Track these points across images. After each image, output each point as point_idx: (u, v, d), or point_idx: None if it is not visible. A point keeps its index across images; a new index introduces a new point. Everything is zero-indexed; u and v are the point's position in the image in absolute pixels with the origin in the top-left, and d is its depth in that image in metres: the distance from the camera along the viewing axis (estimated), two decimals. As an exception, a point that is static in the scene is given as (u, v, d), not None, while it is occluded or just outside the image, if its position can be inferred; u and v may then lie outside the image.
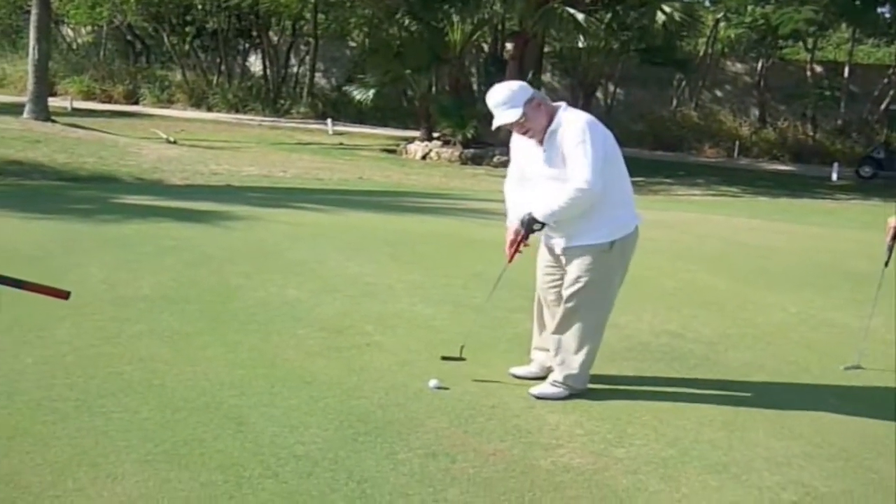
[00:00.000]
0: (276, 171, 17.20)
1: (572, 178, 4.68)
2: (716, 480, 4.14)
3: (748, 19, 29.98)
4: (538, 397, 4.93)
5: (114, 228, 8.82)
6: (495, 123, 4.89)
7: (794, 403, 5.15)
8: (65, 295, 3.12)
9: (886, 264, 6.08)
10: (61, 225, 8.78)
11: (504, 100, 4.80)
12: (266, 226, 9.60)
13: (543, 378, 5.13)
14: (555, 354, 5.01)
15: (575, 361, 4.96)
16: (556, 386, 4.98)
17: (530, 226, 4.92)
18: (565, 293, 4.94)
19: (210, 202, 10.95)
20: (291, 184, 15.40)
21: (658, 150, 29.49)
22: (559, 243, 4.96)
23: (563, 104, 4.94)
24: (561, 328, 4.99)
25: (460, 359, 5.23)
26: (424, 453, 4.16)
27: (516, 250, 5.04)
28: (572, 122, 4.77)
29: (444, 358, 5.27)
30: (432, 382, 4.99)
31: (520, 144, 5.03)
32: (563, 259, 4.97)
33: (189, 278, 7.00)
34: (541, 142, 4.85)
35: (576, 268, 4.89)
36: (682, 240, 9.89)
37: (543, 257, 5.15)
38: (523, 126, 4.82)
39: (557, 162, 4.76)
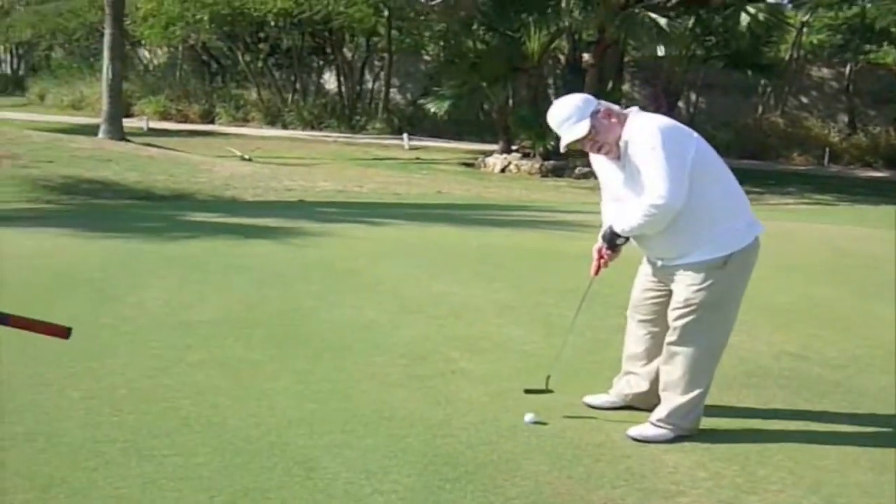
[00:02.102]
0: (351, 186, 16.77)
1: (646, 191, 4.06)
2: (873, 536, 3.44)
3: (839, 19, 29.00)
4: (636, 439, 4.26)
5: (179, 247, 8.36)
6: (563, 144, 4.27)
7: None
8: (64, 333, 2.54)
9: None
10: (125, 244, 8.34)
11: (568, 115, 4.20)
12: (341, 242, 9.07)
13: (620, 409, 4.54)
14: (662, 388, 4.35)
15: (682, 399, 4.28)
16: (659, 426, 4.29)
17: (612, 241, 4.32)
18: (671, 319, 4.28)
19: (282, 218, 10.47)
20: (368, 199, 14.94)
21: (744, 160, 28.46)
22: (662, 259, 4.31)
23: (633, 109, 4.30)
24: (667, 359, 4.33)
25: (547, 391, 4.60)
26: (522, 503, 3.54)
27: (599, 266, 4.44)
28: (642, 129, 4.13)
29: (527, 391, 4.64)
30: (528, 417, 4.37)
31: (600, 164, 4.42)
32: (669, 278, 4.30)
33: (257, 300, 6.48)
34: (618, 157, 4.22)
35: (684, 289, 4.22)
36: (788, 250, 9.08)
37: (644, 270, 4.51)
38: (595, 141, 4.21)
39: (637, 176, 4.14)
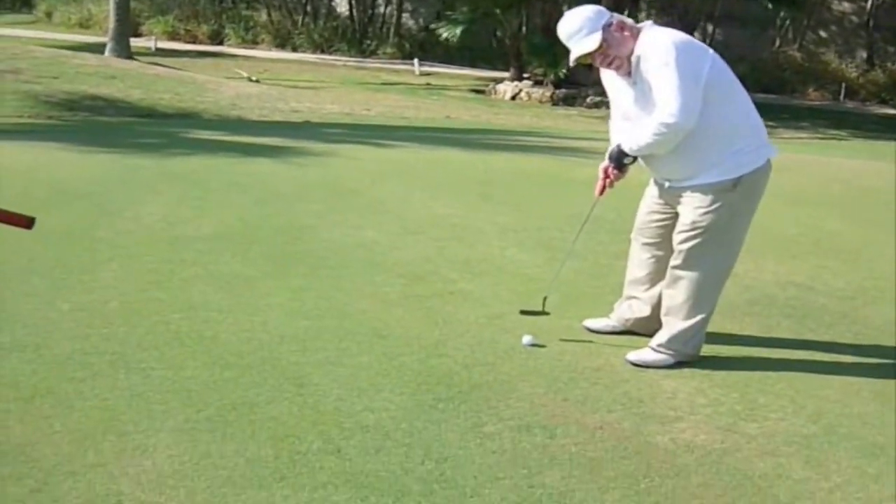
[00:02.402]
0: (359, 109, 16.54)
1: (657, 109, 3.90)
2: (873, 467, 3.39)
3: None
4: (636, 364, 4.17)
5: (179, 163, 8.23)
6: (572, 57, 4.09)
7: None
8: (26, 222, 2.38)
9: None
10: (123, 159, 8.22)
11: (579, 27, 4.01)
12: (345, 163, 8.93)
13: (620, 333, 4.44)
14: (664, 313, 4.24)
15: (684, 324, 4.17)
16: (659, 351, 4.20)
17: (620, 159, 4.15)
18: (677, 242, 4.15)
19: (286, 138, 10.30)
20: (375, 122, 14.73)
21: (759, 93, 28.05)
22: (670, 180, 4.16)
23: (647, 23, 4.10)
24: (670, 283, 4.21)
25: (544, 313, 4.49)
26: (517, 426, 3.48)
27: (604, 185, 4.27)
28: (655, 44, 3.95)
29: (523, 312, 4.54)
30: (526, 339, 4.29)
31: (611, 80, 4.23)
32: (676, 200, 4.16)
33: (256, 217, 6.37)
34: (629, 73, 4.04)
35: (690, 211, 4.08)
36: (800, 182, 8.93)
37: (651, 192, 4.37)
38: (606, 56, 4.02)
39: (649, 94, 3.97)
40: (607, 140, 4.39)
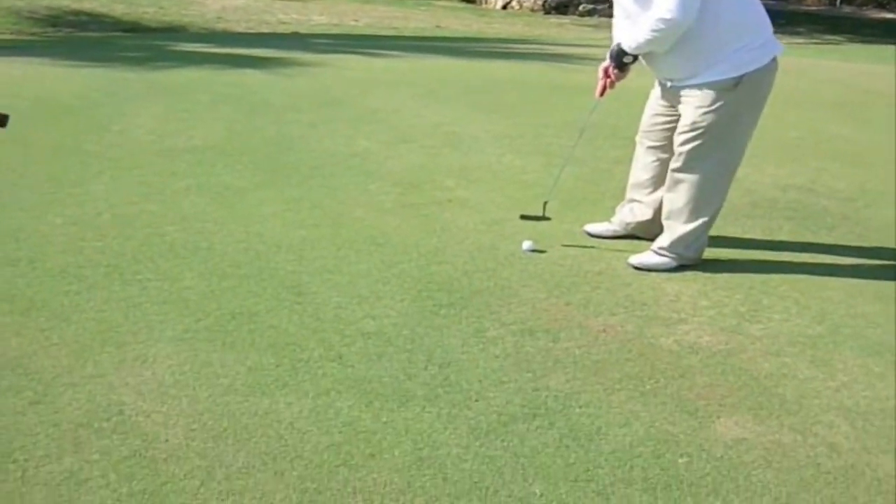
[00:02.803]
0: (347, 20, 16.26)
1: (654, 4, 3.77)
2: (878, 365, 3.37)
3: None
4: (637, 268, 4.11)
5: (166, 76, 8.06)
6: None
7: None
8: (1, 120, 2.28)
9: None
10: (109, 73, 8.04)
11: None
12: (334, 73, 8.76)
13: (622, 238, 4.40)
14: (665, 217, 4.17)
15: (686, 228, 4.10)
16: (661, 254, 4.14)
17: (619, 58, 4.03)
18: (677, 143, 4.05)
19: (274, 49, 10.09)
20: (363, 32, 14.47)
21: (753, -2, 27.74)
22: (671, 80, 4.05)
23: None
24: (671, 186, 4.13)
25: (543, 218, 4.43)
26: (520, 330, 3.44)
27: (605, 85, 4.16)
28: None
29: (523, 217, 4.47)
30: (526, 244, 4.24)
31: None
32: (677, 100, 4.05)
33: (246, 128, 6.25)
34: None
35: (691, 112, 3.97)
36: (798, 85, 8.80)
37: (655, 94, 4.25)
38: None
39: None
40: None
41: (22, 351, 3.06)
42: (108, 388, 2.86)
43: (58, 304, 3.41)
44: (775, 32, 4.04)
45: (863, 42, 18.80)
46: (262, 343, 3.20)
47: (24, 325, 3.25)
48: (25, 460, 2.48)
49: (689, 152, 4.02)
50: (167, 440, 2.61)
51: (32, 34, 12.55)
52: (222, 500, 2.37)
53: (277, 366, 3.05)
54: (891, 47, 16.02)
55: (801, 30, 20.81)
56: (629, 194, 4.44)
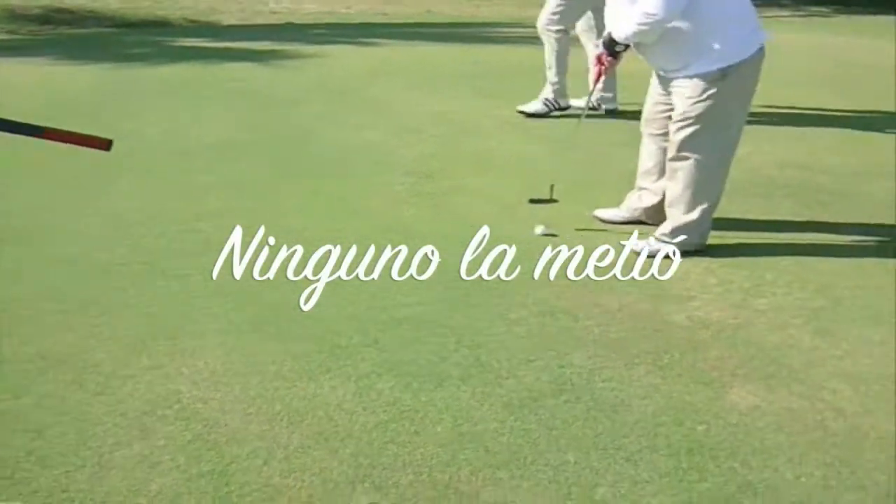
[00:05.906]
0: (338, 7, 16.30)
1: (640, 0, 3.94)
2: (878, 333, 3.59)
3: None
4: (640, 254, 4.28)
5: (170, 73, 8.19)
6: None
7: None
8: (105, 144, 2.49)
9: None
10: (113, 72, 8.19)
11: None
12: (335, 63, 8.91)
13: (631, 223, 4.57)
14: (667, 205, 4.34)
15: (687, 216, 4.24)
16: (663, 241, 4.28)
17: (611, 46, 4.21)
18: (672, 132, 4.21)
19: (272, 41, 10.22)
20: (356, 20, 14.57)
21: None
22: (664, 70, 4.24)
23: None
24: (669, 175, 4.29)
25: (552, 200, 4.65)
26: (541, 311, 3.66)
27: (600, 72, 4.37)
28: None
29: (532, 201, 4.70)
30: (538, 229, 4.45)
31: None
32: (670, 90, 4.22)
33: (256, 123, 6.43)
34: None
35: (682, 102, 4.12)
36: (790, 63, 8.92)
37: (654, 82, 4.42)
38: None
39: None
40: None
41: (78, 346, 3.25)
42: (165, 379, 3.06)
43: (106, 301, 3.61)
44: (761, 4, 4.18)
45: (849, 13, 18.85)
46: (302, 332, 3.40)
47: (76, 321, 3.44)
48: (99, 447, 2.68)
49: (683, 141, 4.16)
50: (226, 424, 2.82)
51: (29, 32, 12.61)
52: (285, 477, 2.58)
53: (319, 352, 3.26)
54: (876, 18, 16.17)
55: (786, 2, 20.79)
56: (638, 181, 4.60)
